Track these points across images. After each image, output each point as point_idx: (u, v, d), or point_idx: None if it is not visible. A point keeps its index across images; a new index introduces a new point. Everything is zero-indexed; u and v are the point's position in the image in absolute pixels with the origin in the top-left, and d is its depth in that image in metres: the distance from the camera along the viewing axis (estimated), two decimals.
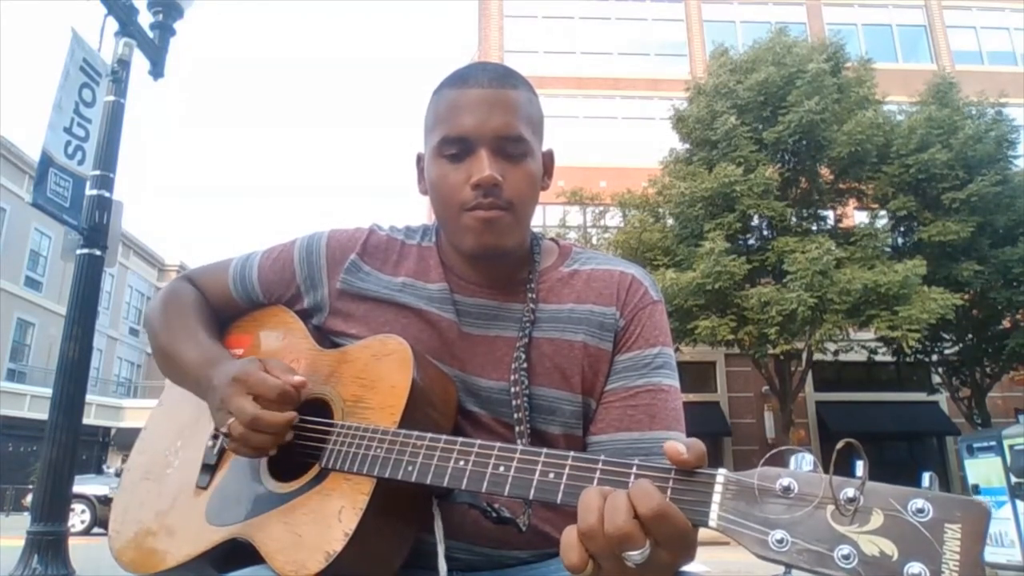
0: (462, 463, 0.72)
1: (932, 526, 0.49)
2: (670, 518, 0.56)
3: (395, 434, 0.78)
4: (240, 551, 0.82)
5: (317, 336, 0.99)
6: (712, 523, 0.56)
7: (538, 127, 0.95)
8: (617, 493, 0.58)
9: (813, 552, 0.51)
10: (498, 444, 0.72)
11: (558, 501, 0.65)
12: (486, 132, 0.88)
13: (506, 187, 0.88)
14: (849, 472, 0.53)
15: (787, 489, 0.54)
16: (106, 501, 12.63)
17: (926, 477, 0.52)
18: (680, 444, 0.59)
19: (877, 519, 0.50)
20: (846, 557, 0.50)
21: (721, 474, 0.58)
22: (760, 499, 0.55)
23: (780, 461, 0.57)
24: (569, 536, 0.59)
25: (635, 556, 0.56)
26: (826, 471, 0.53)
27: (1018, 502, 6.60)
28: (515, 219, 0.90)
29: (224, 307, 1.07)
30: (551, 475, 0.66)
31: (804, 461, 0.55)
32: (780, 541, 0.52)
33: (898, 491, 0.51)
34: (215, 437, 0.94)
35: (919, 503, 0.50)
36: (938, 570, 0.47)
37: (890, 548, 0.49)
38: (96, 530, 12.58)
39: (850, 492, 0.51)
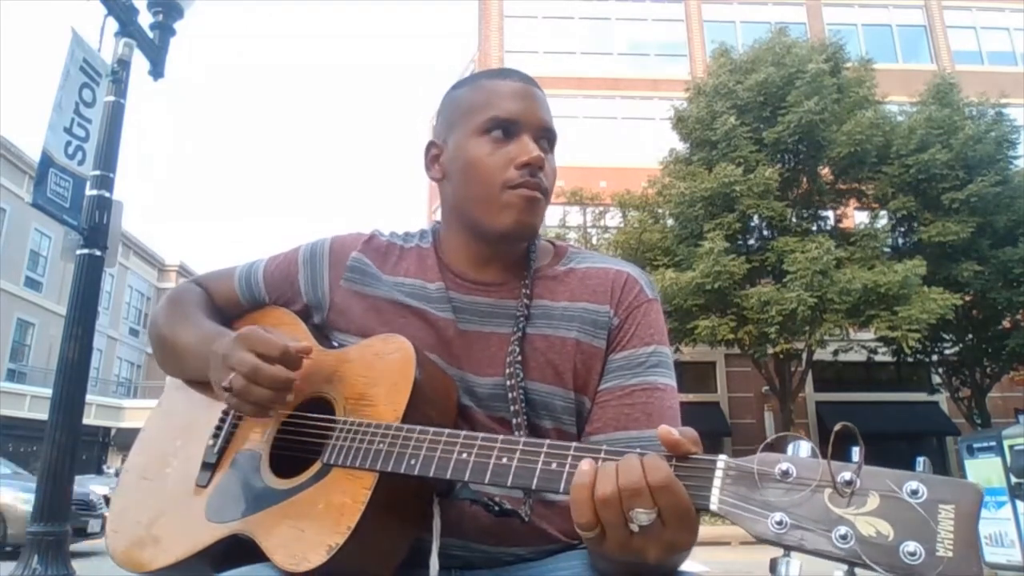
0: (465, 455, 0.73)
1: (927, 506, 0.50)
2: (676, 491, 0.58)
3: (397, 428, 0.78)
4: (239, 549, 0.82)
5: (318, 336, 1.00)
6: (713, 506, 0.58)
7: None
8: (631, 456, 0.61)
9: (811, 534, 0.52)
10: (501, 436, 0.73)
11: (560, 490, 0.66)
12: (532, 120, 0.94)
13: (543, 174, 0.94)
14: (846, 460, 0.54)
15: (786, 473, 0.55)
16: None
17: (920, 462, 0.53)
18: (673, 428, 0.61)
19: (874, 501, 0.52)
20: (843, 538, 0.51)
21: (721, 459, 0.59)
22: (760, 483, 0.56)
23: (779, 448, 0.58)
24: (581, 493, 0.61)
25: (642, 516, 0.58)
26: (823, 455, 0.54)
27: (1018, 502, 6.58)
28: (546, 205, 0.96)
29: (228, 307, 1.09)
30: (554, 464, 0.67)
31: (802, 447, 0.57)
32: (779, 523, 0.53)
33: (894, 474, 0.52)
34: (215, 436, 0.94)
35: (914, 485, 0.51)
36: (933, 548, 0.48)
37: (886, 528, 0.50)
38: None
39: (847, 475, 0.53)
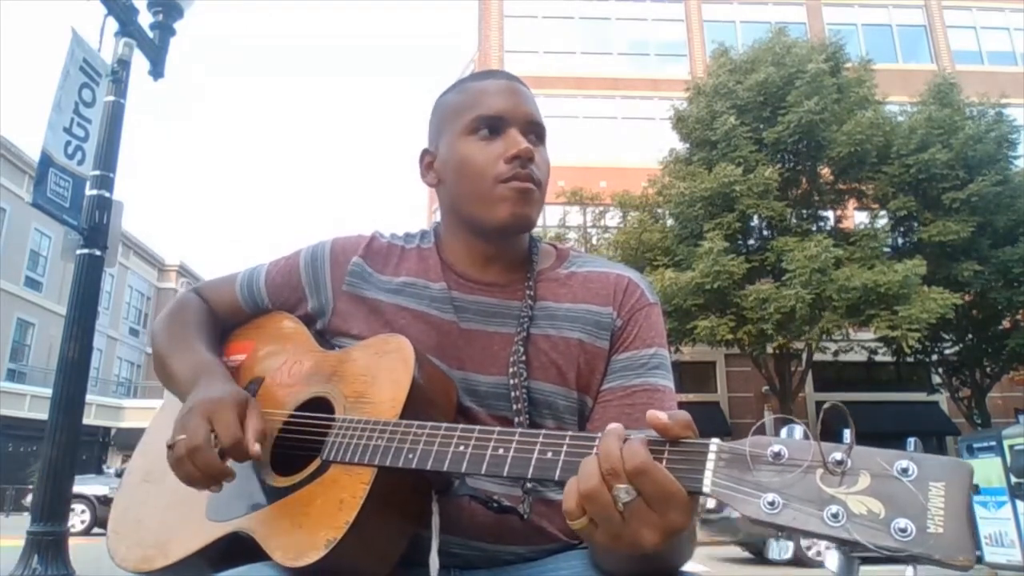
0: (462, 448, 0.73)
1: (917, 484, 0.51)
2: (649, 473, 0.59)
3: (396, 424, 0.79)
4: (239, 547, 0.82)
5: (320, 340, 1.01)
6: (706, 489, 0.58)
7: None
8: (610, 442, 0.61)
9: (803, 513, 0.52)
10: (498, 428, 0.73)
11: (556, 478, 0.66)
12: (518, 114, 0.96)
13: (534, 165, 0.95)
14: (839, 442, 0.55)
15: (778, 455, 0.56)
16: (106, 501, 12.60)
17: (911, 442, 0.54)
18: (661, 412, 0.61)
19: (864, 480, 0.52)
20: (835, 516, 0.51)
21: (714, 443, 0.60)
22: (752, 465, 0.56)
23: (772, 432, 0.59)
24: (571, 485, 0.62)
25: (622, 494, 0.59)
26: (814, 436, 0.55)
27: (1018, 502, 6.58)
28: (541, 196, 0.97)
29: (230, 315, 1.10)
30: (549, 453, 0.68)
31: (794, 430, 0.57)
32: (772, 504, 0.54)
33: (884, 453, 0.53)
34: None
35: (904, 463, 0.51)
36: (924, 525, 0.49)
37: (877, 507, 0.51)
38: (96, 530, 12.57)
39: (838, 455, 0.53)
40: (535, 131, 0.97)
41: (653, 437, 0.63)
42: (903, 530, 0.49)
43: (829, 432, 0.54)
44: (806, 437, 0.56)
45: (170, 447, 0.81)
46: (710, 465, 0.59)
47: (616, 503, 0.59)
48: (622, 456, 0.60)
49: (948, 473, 0.50)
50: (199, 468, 0.79)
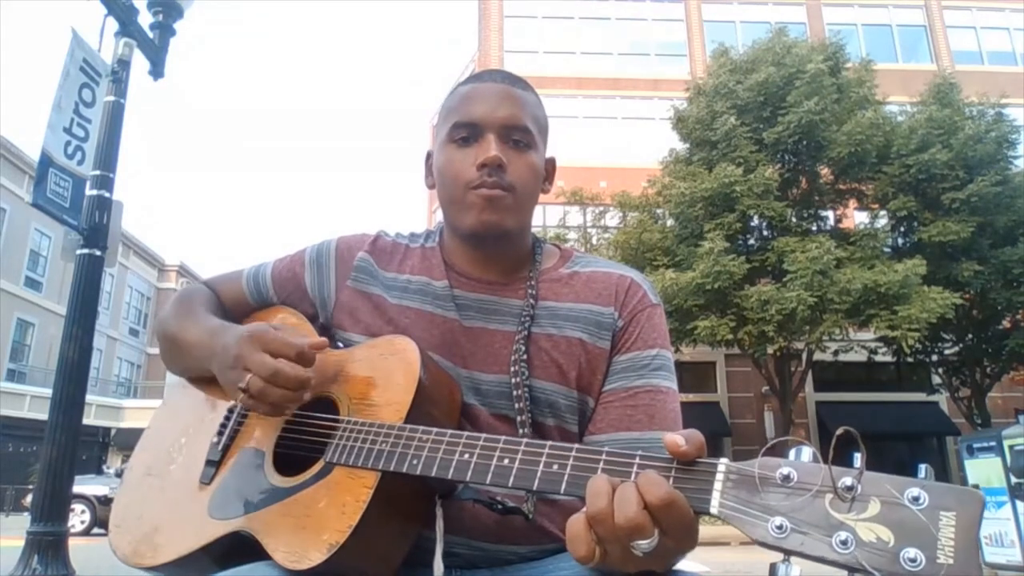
0: (467, 456, 0.73)
1: (928, 513, 0.50)
2: (677, 506, 0.58)
3: (400, 428, 0.79)
4: (241, 546, 0.82)
5: (324, 337, 1.00)
6: (713, 510, 0.57)
7: (543, 130, 1.01)
8: (626, 484, 0.60)
9: (812, 539, 0.52)
10: (503, 437, 0.73)
11: (561, 492, 0.66)
12: (494, 120, 0.94)
13: (510, 171, 0.94)
14: (848, 465, 0.54)
15: (787, 478, 0.55)
16: (106, 501, 12.60)
17: (922, 469, 0.53)
18: (679, 436, 0.60)
19: (874, 507, 0.52)
20: (844, 543, 0.51)
21: (723, 463, 0.59)
22: (761, 487, 0.56)
23: (780, 452, 0.58)
24: (576, 527, 0.60)
25: (644, 545, 0.58)
26: (825, 460, 0.54)
27: (1018, 502, 6.58)
28: (516, 202, 0.95)
29: (236, 307, 1.10)
30: (555, 466, 0.67)
31: (803, 452, 0.56)
32: (780, 527, 0.53)
33: (895, 480, 0.52)
34: (220, 434, 0.94)
35: (915, 491, 0.51)
36: (933, 556, 0.48)
37: (887, 534, 0.50)
38: (96, 530, 12.57)
39: (848, 481, 0.52)
40: (517, 136, 0.95)
41: (658, 455, 0.62)
42: (913, 559, 0.48)
43: (830, 438, 0.53)
44: (815, 459, 0.56)
45: (244, 390, 0.83)
46: (718, 486, 0.58)
47: (636, 550, 0.59)
48: (640, 492, 0.59)
49: (959, 503, 0.50)
50: (286, 386, 0.82)
